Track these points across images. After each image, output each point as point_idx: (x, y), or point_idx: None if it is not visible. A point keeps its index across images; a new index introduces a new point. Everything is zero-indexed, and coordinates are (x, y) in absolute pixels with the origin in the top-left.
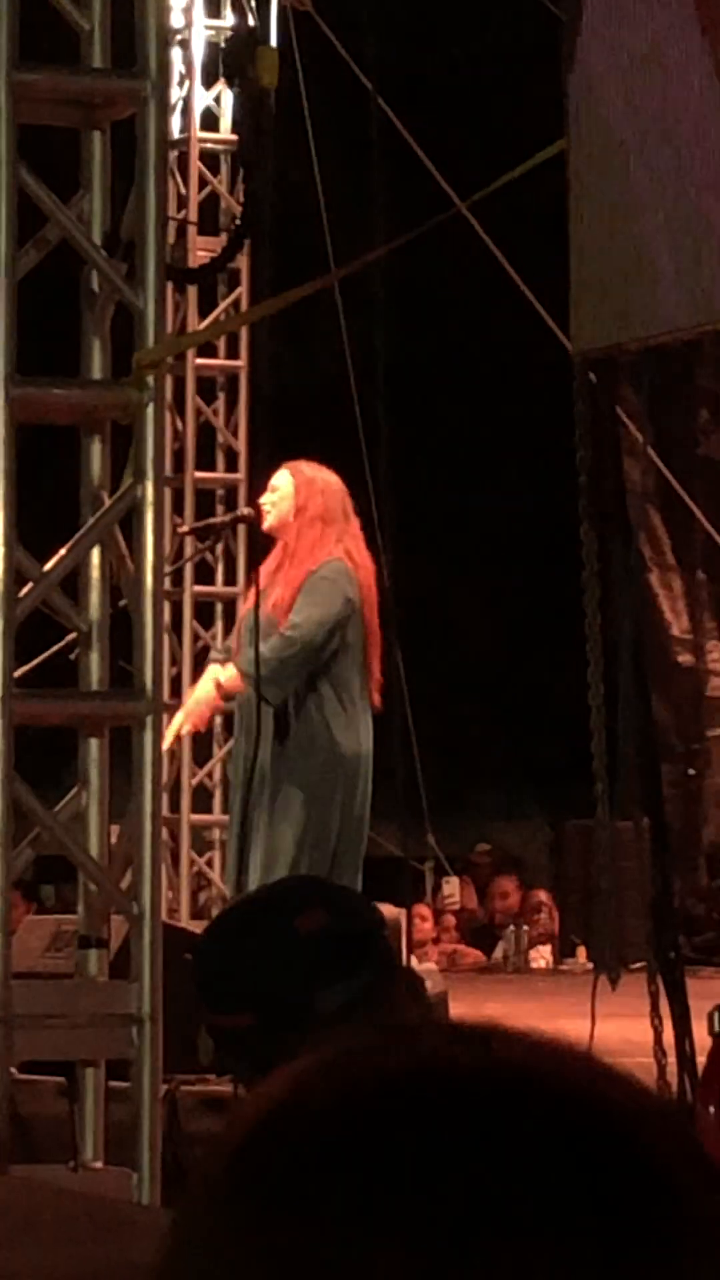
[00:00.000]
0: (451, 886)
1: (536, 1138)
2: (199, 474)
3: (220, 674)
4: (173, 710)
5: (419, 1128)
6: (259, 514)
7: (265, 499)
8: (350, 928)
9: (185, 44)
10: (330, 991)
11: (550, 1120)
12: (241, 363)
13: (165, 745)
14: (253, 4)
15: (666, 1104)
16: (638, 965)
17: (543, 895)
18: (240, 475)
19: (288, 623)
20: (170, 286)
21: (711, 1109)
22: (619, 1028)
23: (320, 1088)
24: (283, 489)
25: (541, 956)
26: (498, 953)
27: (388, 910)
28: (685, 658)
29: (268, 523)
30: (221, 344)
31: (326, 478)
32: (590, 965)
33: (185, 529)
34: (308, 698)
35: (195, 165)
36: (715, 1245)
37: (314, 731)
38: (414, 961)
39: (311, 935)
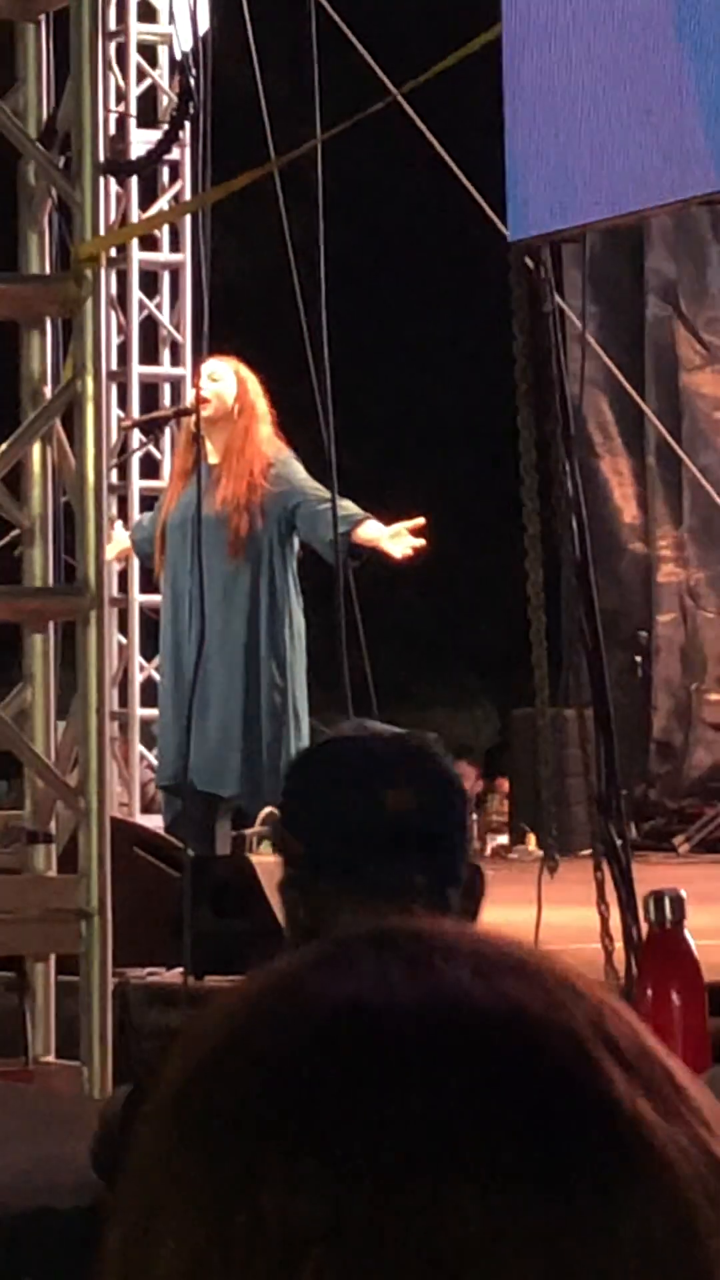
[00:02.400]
0: None
1: (461, 1062)
2: (143, 368)
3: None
4: (118, 605)
5: (354, 1067)
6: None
7: (207, 387)
8: (433, 817)
9: None
10: (402, 869)
11: (477, 1043)
12: (184, 256)
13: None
14: None
15: (603, 1008)
16: (585, 852)
17: (505, 784)
18: (184, 369)
19: (318, 497)
20: (112, 180)
21: (649, 992)
22: (567, 915)
23: (259, 1021)
24: (225, 380)
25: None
26: None
27: None
28: (635, 545)
29: (208, 410)
30: (164, 238)
31: (252, 375)
32: (539, 853)
33: (129, 423)
34: (287, 572)
35: (134, 57)
36: (663, 1169)
37: (290, 606)
38: None
39: (397, 815)
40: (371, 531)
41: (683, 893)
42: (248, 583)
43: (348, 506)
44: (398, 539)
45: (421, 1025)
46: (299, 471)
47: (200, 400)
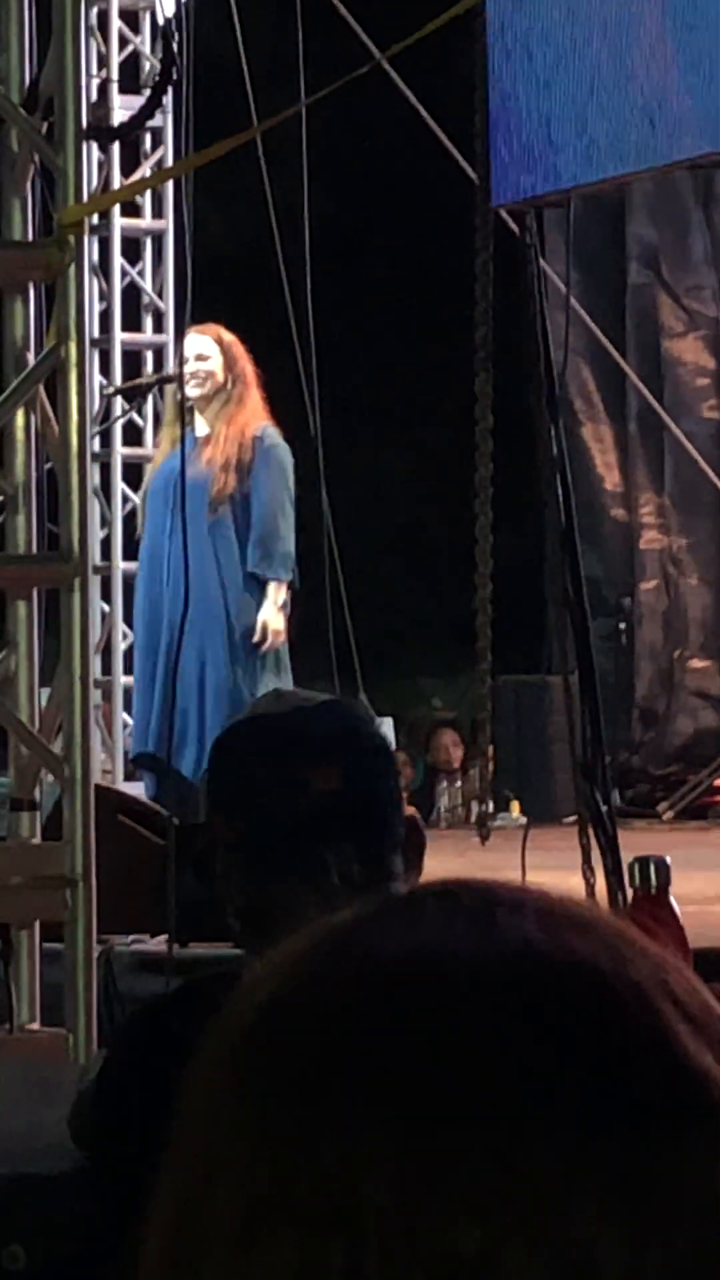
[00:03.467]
0: (385, 728)
1: (535, 1016)
2: (125, 335)
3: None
4: (101, 573)
5: (419, 1017)
6: (182, 376)
7: (196, 370)
8: (363, 790)
9: None
10: (334, 851)
11: (550, 996)
12: (167, 223)
13: None
14: None
15: (664, 964)
16: (570, 819)
17: (490, 751)
18: (167, 336)
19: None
20: (95, 147)
21: None
22: (551, 880)
23: (321, 973)
24: (212, 357)
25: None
26: (442, 806)
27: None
28: (618, 511)
29: (204, 389)
30: (146, 205)
31: (238, 342)
32: (524, 819)
33: (112, 390)
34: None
35: (116, 24)
36: None
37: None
38: None
39: (324, 795)
40: (265, 606)
41: (668, 858)
42: (226, 537)
43: (285, 549)
44: (278, 633)
45: (487, 977)
46: (270, 481)
47: (181, 380)
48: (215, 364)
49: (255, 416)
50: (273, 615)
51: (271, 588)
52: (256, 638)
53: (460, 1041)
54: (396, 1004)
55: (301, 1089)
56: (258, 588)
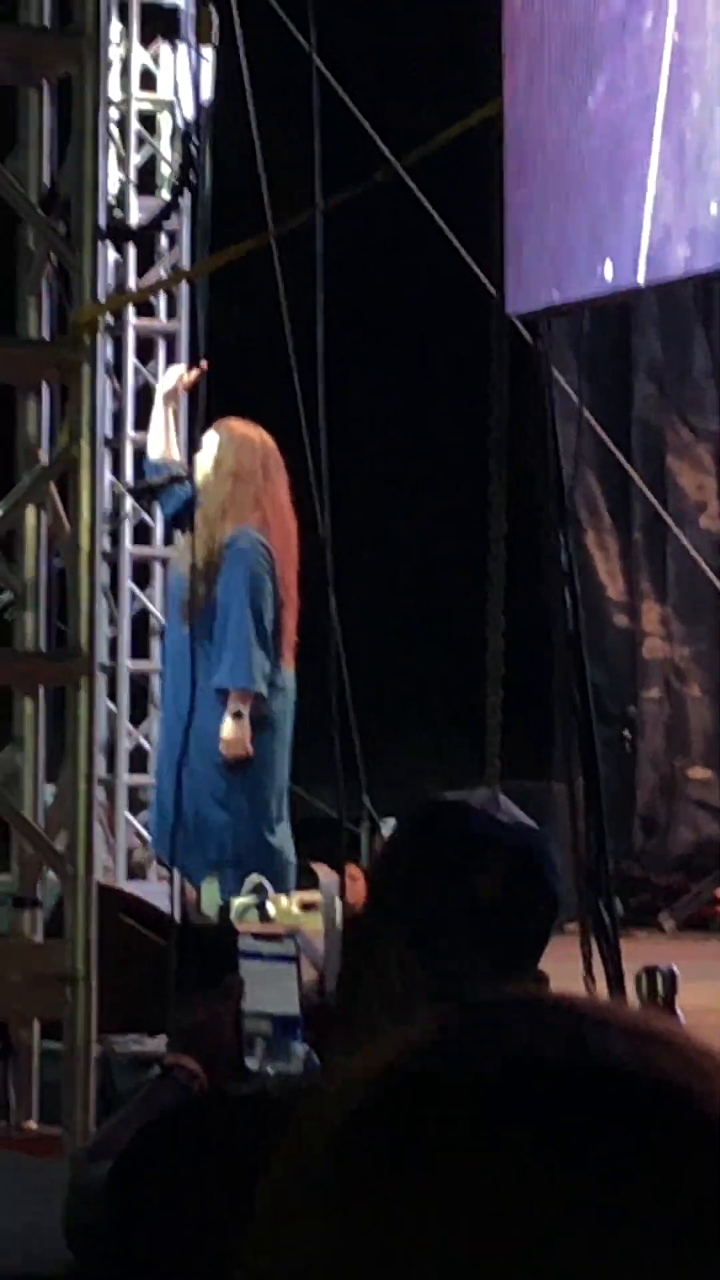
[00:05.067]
0: (389, 828)
1: (626, 1138)
2: (137, 434)
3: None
4: (109, 672)
5: (508, 1128)
6: (192, 476)
7: (196, 457)
8: (521, 914)
9: (124, 3)
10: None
11: (644, 1120)
12: (180, 324)
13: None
14: None
15: None
16: (571, 926)
17: None
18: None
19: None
20: (111, 247)
21: None
22: (553, 988)
23: (409, 1086)
24: (209, 446)
25: None
26: None
27: (324, 872)
28: (620, 619)
29: (197, 482)
30: (160, 306)
31: (248, 434)
32: None
33: (123, 489)
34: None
35: (134, 126)
36: None
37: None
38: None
39: (484, 902)
40: (228, 724)
41: (675, 969)
42: (201, 646)
43: (243, 658)
44: (229, 743)
45: (577, 1095)
46: (235, 587)
47: (192, 479)
48: (205, 460)
49: (232, 517)
50: (227, 726)
51: (230, 698)
52: (221, 749)
53: (550, 1160)
54: (486, 1122)
55: (392, 1202)
56: (224, 698)
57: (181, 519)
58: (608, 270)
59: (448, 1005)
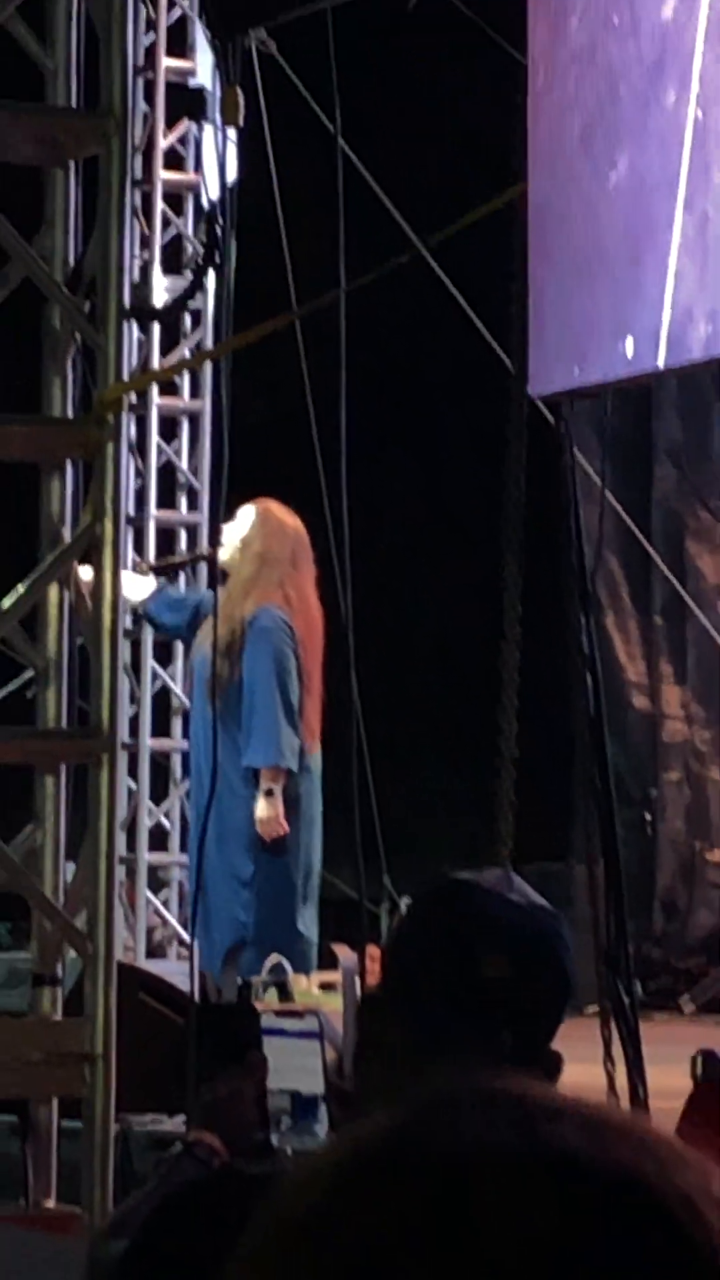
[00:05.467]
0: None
1: (583, 1228)
2: (160, 512)
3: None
4: (129, 750)
5: (461, 1222)
6: (215, 556)
7: (226, 526)
8: (531, 994)
9: (150, 84)
10: (491, 1039)
11: (598, 1209)
12: (204, 403)
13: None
14: (218, 45)
15: (709, 1173)
16: (591, 1009)
17: None
18: (201, 514)
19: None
20: (135, 326)
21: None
22: (572, 1072)
23: (363, 1181)
24: (241, 521)
25: None
26: None
27: (344, 953)
28: (640, 702)
29: (223, 553)
30: (184, 385)
31: (283, 520)
32: None
33: (145, 567)
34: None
35: (159, 205)
36: None
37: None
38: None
39: (492, 983)
40: (262, 803)
41: None
42: (226, 726)
43: (271, 735)
44: (264, 822)
45: (531, 1189)
46: (258, 666)
47: (214, 559)
48: (238, 528)
49: (255, 597)
50: (261, 805)
51: (262, 776)
52: (258, 828)
53: (504, 1255)
54: (438, 1216)
55: None
56: (254, 777)
57: (178, 632)
58: (629, 347)
59: (402, 1098)
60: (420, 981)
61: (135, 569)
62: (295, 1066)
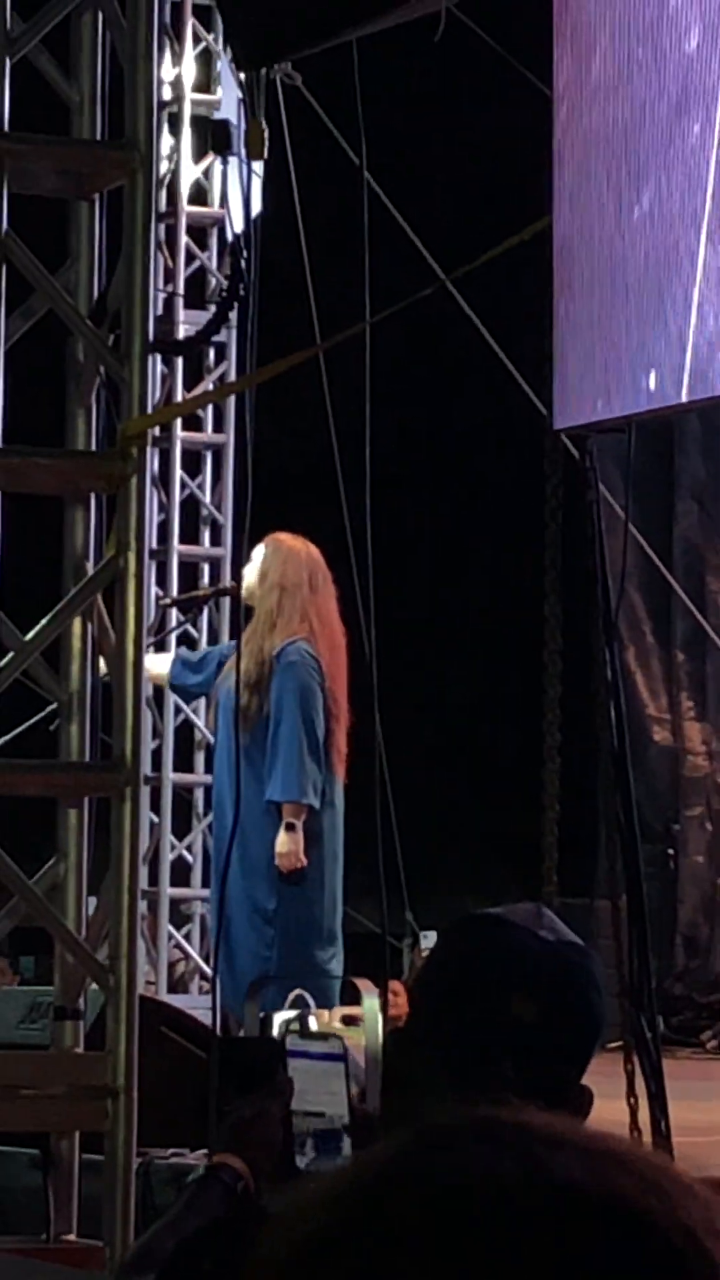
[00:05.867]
0: (430, 941)
1: (581, 1257)
2: (183, 546)
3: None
4: (152, 784)
5: (464, 1252)
6: (238, 591)
7: (245, 569)
8: (559, 1032)
9: (175, 117)
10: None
11: (596, 1238)
12: (227, 437)
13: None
14: (243, 78)
15: (711, 1204)
16: (614, 1045)
17: None
18: (224, 549)
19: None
20: (157, 359)
21: None
22: (595, 1107)
23: (363, 1212)
24: (256, 558)
25: None
26: None
27: (366, 987)
28: (662, 736)
29: (243, 593)
30: (207, 418)
31: (294, 547)
32: None
33: (168, 600)
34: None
35: (183, 239)
36: None
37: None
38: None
39: (519, 1021)
40: (282, 837)
41: None
42: (251, 760)
43: (295, 771)
44: (284, 856)
45: (533, 1221)
46: (285, 701)
47: (237, 593)
48: (254, 567)
49: (281, 630)
50: (281, 840)
51: (284, 811)
52: (277, 861)
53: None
54: (438, 1243)
55: None
56: (277, 811)
57: (206, 689)
58: (652, 380)
59: (404, 1129)
60: (447, 1018)
61: (157, 602)
62: (320, 1089)
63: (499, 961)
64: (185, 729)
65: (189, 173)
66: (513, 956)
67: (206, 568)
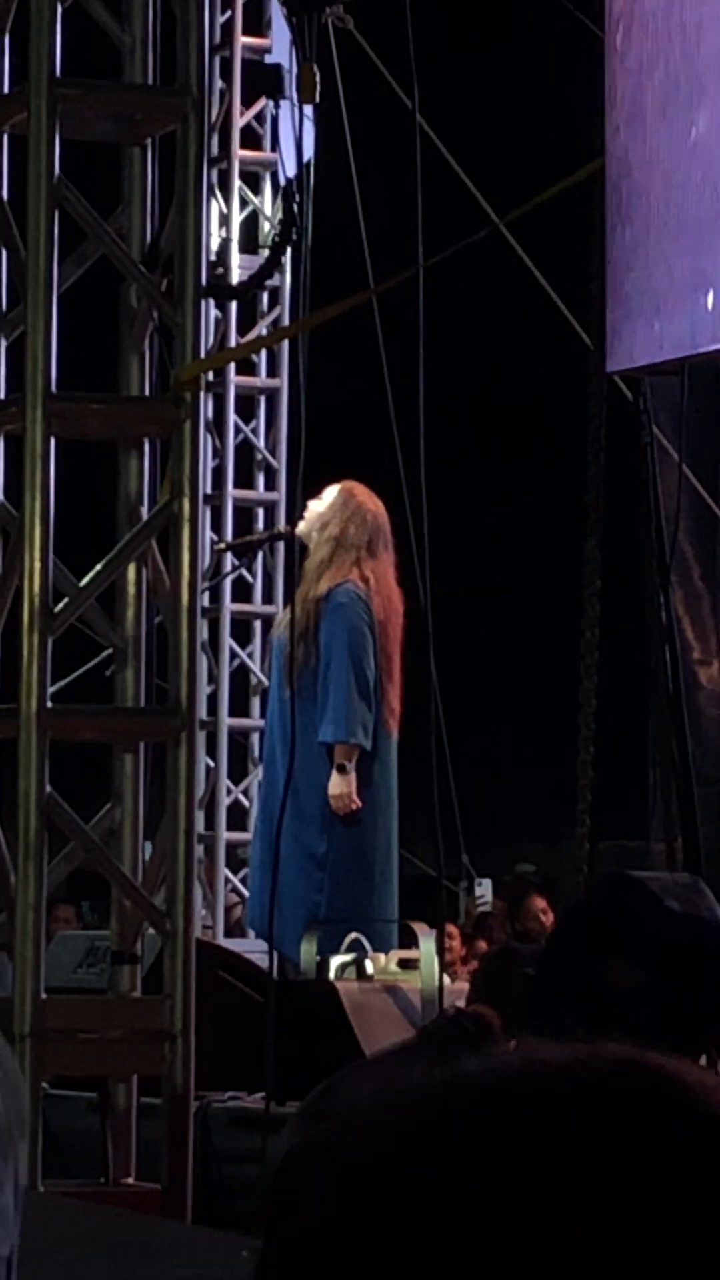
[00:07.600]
0: (484, 888)
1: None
2: (237, 491)
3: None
4: (207, 728)
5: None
6: (293, 535)
7: (311, 502)
8: (663, 999)
9: (227, 61)
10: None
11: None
12: (281, 381)
13: None
14: (294, 21)
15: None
16: None
17: None
18: (279, 493)
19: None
20: (211, 304)
21: None
22: None
23: (396, 1122)
24: (324, 501)
25: None
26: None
27: (422, 930)
28: (710, 679)
29: (300, 526)
30: (261, 362)
31: (363, 504)
32: None
33: (223, 546)
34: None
35: (236, 184)
36: None
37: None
38: (445, 980)
39: (620, 988)
40: (335, 779)
41: None
42: (304, 706)
43: (346, 712)
44: (336, 798)
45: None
46: (334, 644)
47: (292, 538)
48: (317, 509)
49: (329, 577)
50: (334, 781)
51: (335, 753)
52: (331, 803)
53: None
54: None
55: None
56: (328, 755)
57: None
58: (710, 301)
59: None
60: (554, 973)
61: (212, 547)
62: None
63: (608, 926)
64: (240, 673)
65: (241, 117)
66: (624, 923)
67: (261, 512)
